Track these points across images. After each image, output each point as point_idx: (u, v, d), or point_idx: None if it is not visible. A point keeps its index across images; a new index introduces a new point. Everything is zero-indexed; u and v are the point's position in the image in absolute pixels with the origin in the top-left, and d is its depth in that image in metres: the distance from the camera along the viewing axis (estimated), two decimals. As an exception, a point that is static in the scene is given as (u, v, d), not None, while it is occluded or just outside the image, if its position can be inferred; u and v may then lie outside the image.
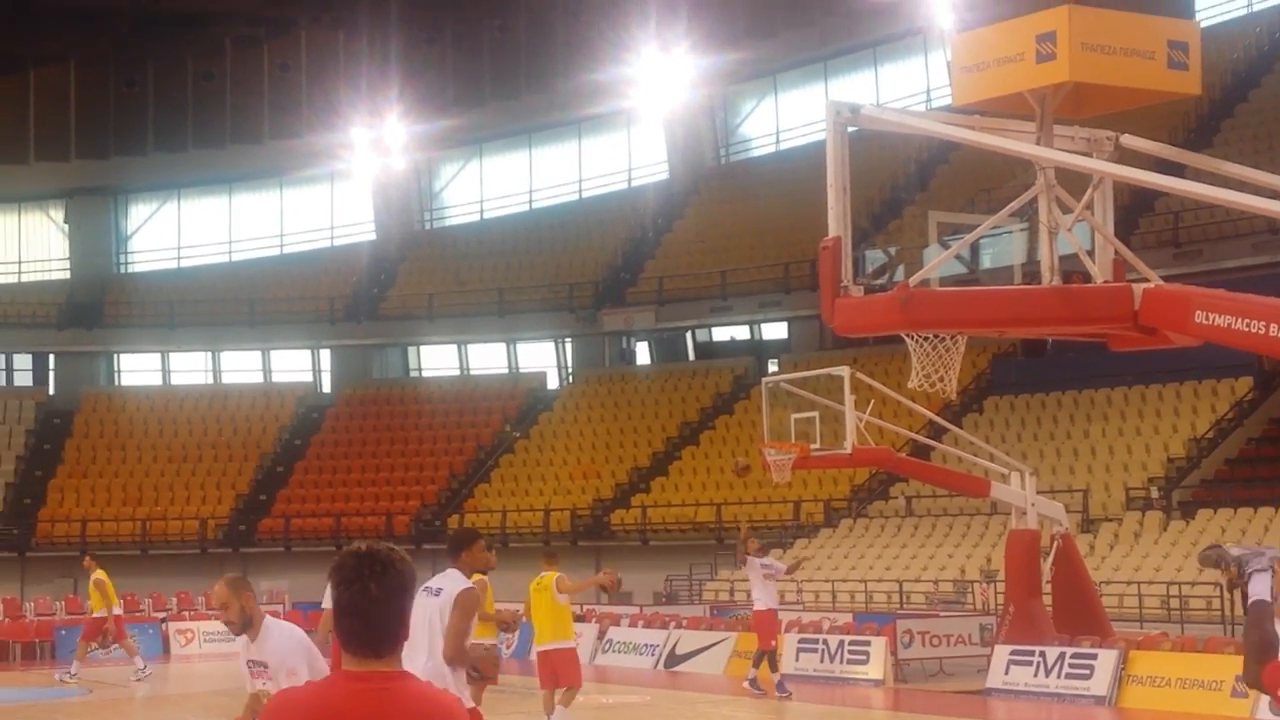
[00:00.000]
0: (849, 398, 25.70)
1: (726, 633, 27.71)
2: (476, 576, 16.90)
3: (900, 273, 15.65)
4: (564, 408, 51.89)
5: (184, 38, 55.87)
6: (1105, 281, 14.95)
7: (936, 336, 17.24)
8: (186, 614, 36.70)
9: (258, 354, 56.86)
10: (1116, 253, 16.05)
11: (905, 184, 48.53)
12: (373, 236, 59.58)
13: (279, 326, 55.25)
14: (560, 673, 16.58)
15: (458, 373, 56.32)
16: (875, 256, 41.48)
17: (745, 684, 23.22)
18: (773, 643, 22.95)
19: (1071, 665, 21.77)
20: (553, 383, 54.78)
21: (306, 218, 60.30)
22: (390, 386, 55.82)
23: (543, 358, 55.80)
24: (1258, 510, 31.15)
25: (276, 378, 56.87)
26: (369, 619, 3.85)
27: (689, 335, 53.50)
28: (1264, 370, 36.55)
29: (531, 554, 27.38)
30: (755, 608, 23.18)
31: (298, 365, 57.31)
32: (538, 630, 16.82)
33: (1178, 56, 16.75)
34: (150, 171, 58.68)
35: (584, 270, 54.07)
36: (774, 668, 22.87)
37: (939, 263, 12.60)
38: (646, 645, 28.45)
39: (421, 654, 9.25)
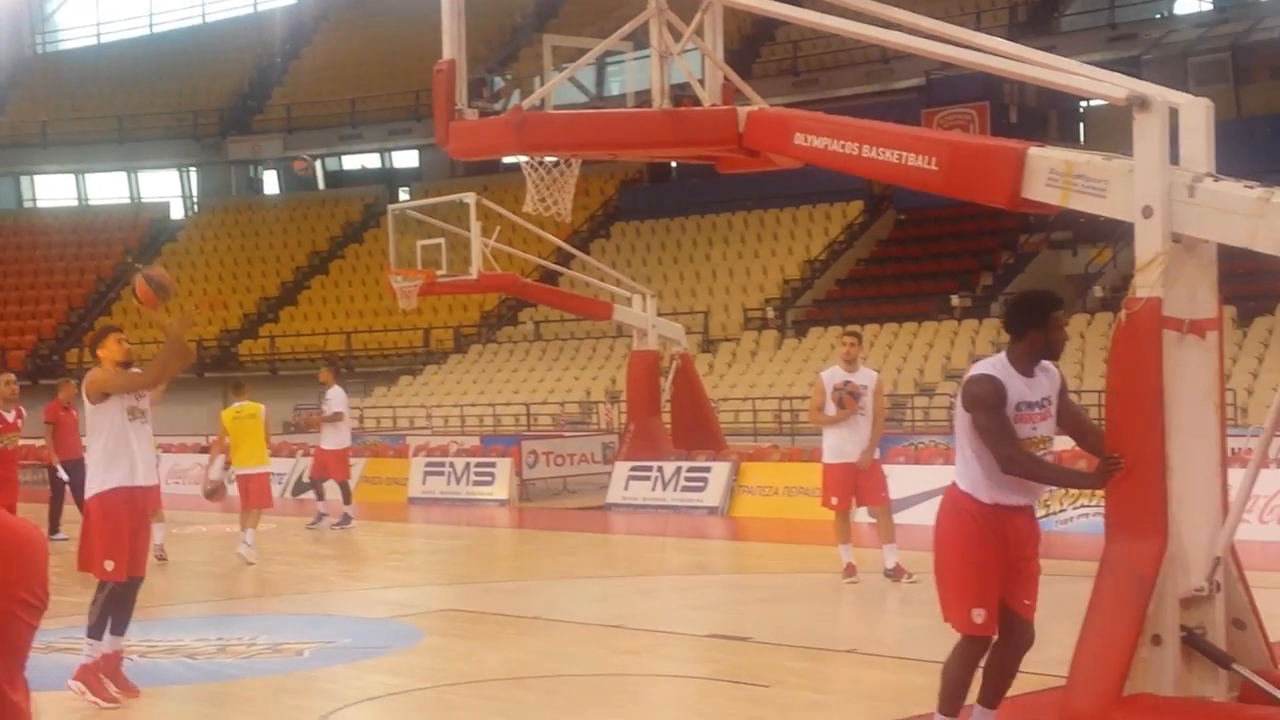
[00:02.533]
0: (475, 224, 25.82)
1: (354, 459, 27.81)
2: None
3: (517, 97, 15.67)
4: (189, 238, 50.69)
5: None
6: (713, 105, 15.26)
7: (551, 161, 17.44)
8: None
9: None
10: (727, 79, 16.39)
11: (536, 10, 48.46)
12: (-21, 60, 56.52)
13: (-124, 155, 52.17)
14: (259, 495, 17.61)
15: (76, 203, 54.23)
16: (500, 83, 41.37)
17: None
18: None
19: (687, 479, 22.67)
20: (177, 213, 53.41)
21: (-95, 39, 56.73)
22: (1, 218, 53.39)
23: (167, 187, 54.18)
24: (865, 327, 32.70)
25: (-124, 209, 53.80)
26: None
27: (319, 164, 52.67)
28: (874, 194, 38.18)
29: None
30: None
31: (-100, 196, 54.29)
32: (241, 456, 17.62)
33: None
34: None
35: (209, 97, 52.53)
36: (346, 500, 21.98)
37: (551, 86, 12.70)
38: (275, 474, 28.27)
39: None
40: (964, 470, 7.13)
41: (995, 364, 7.07)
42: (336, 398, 21.63)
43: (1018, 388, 6.96)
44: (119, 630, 9.76)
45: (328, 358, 32.31)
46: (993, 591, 7.03)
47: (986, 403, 6.92)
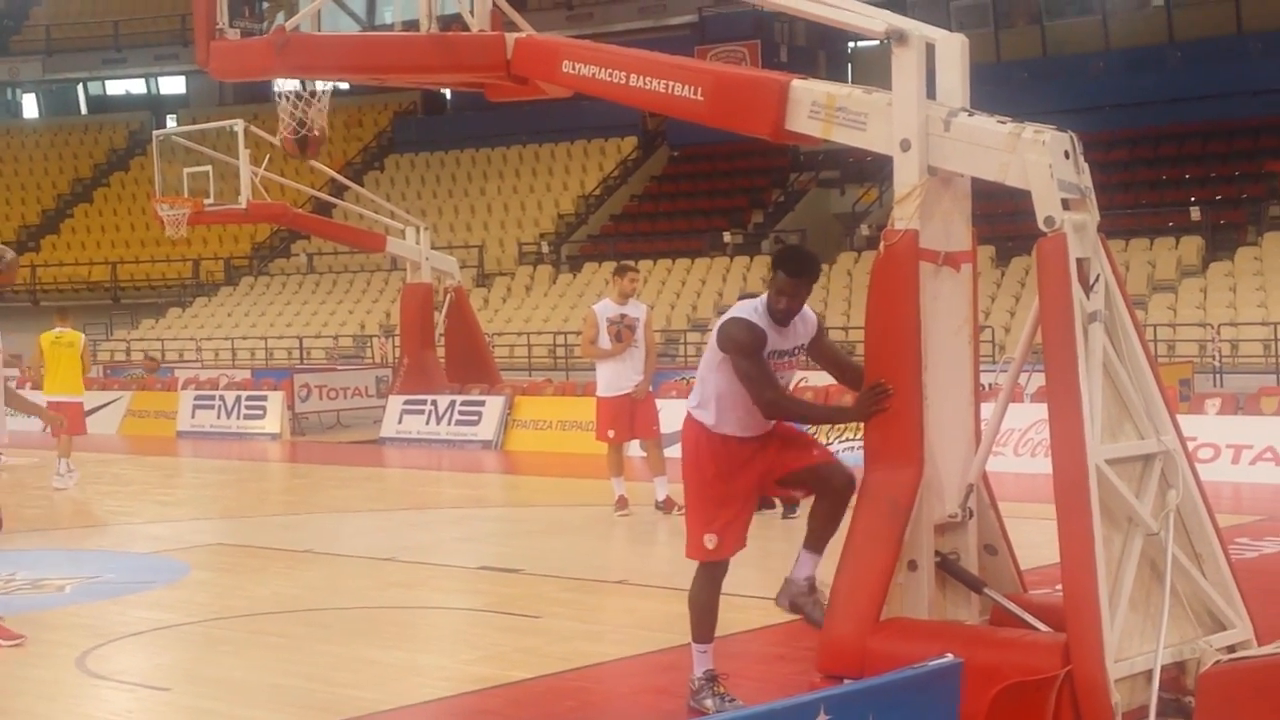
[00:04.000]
0: (244, 152, 25.31)
1: (121, 392, 27.26)
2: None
3: (282, 18, 15.32)
4: (-57, 164, 48.81)
5: None
6: (481, 31, 15.07)
7: (309, 91, 17.34)
8: None
9: None
10: (497, 6, 16.22)
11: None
12: None
13: None
14: (71, 423, 17.31)
15: None
16: (265, 3, 40.55)
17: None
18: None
19: (461, 413, 22.63)
20: (-69, 137, 51.33)
21: None
22: None
23: (-81, 111, 52.09)
24: (638, 263, 32.84)
25: None
26: None
27: (81, 88, 51.13)
28: (647, 131, 38.34)
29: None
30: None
31: None
32: (54, 382, 17.95)
33: None
34: None
35: (-38, 16, 50.53)
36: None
37: (315, 7, 12.49)
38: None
39: None
40: (699, 401, 7.26)
41: (756, 309, 7.08)
42: None
43: (772, 336, 7.04)
44: None
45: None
46: (726, 515, 7.17)
47: (745, 348, 6.98)
